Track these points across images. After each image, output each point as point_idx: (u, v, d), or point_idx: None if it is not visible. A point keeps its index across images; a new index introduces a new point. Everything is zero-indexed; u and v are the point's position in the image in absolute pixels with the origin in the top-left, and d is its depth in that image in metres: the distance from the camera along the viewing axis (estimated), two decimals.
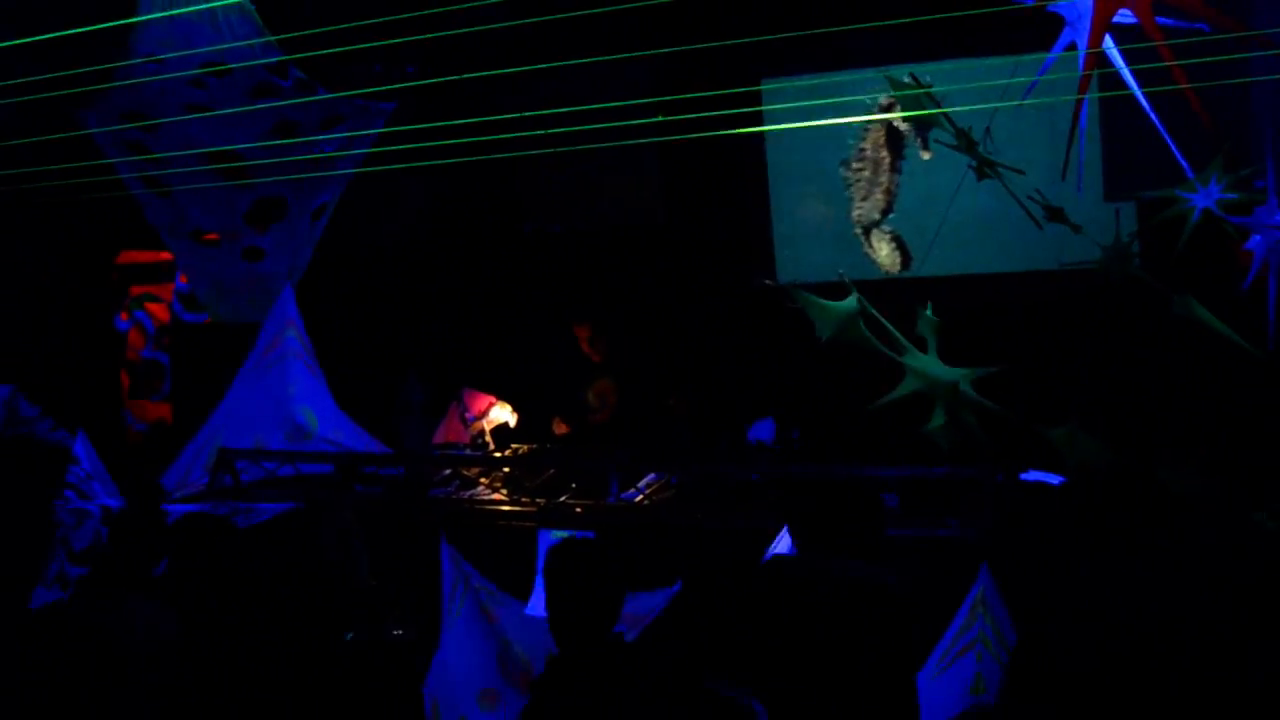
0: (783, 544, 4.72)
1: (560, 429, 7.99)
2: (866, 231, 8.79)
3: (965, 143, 6.51)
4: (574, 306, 8.36)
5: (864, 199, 8.75)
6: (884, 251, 8.73)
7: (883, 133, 8.62)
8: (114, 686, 4.09)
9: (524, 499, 6.32)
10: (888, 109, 7.90)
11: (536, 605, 5.05)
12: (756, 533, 5.05)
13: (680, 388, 8.04)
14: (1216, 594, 3.98)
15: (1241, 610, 3.89)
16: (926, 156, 7.94)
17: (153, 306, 10.41)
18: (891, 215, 8.76)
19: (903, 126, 8.30)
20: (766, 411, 7.54)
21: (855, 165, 8.77)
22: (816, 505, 4.33)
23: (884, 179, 8.70)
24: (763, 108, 8.13)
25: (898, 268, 8.70)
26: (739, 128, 7.16)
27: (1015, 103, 7.31)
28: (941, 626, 4.93)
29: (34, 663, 4.23)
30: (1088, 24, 5.28)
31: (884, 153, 8.67)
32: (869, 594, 3.85)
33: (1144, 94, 5.40)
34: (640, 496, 6.22)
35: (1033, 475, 5.60)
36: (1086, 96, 5.63)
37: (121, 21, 5.79)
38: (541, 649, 5.10)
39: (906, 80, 6.26)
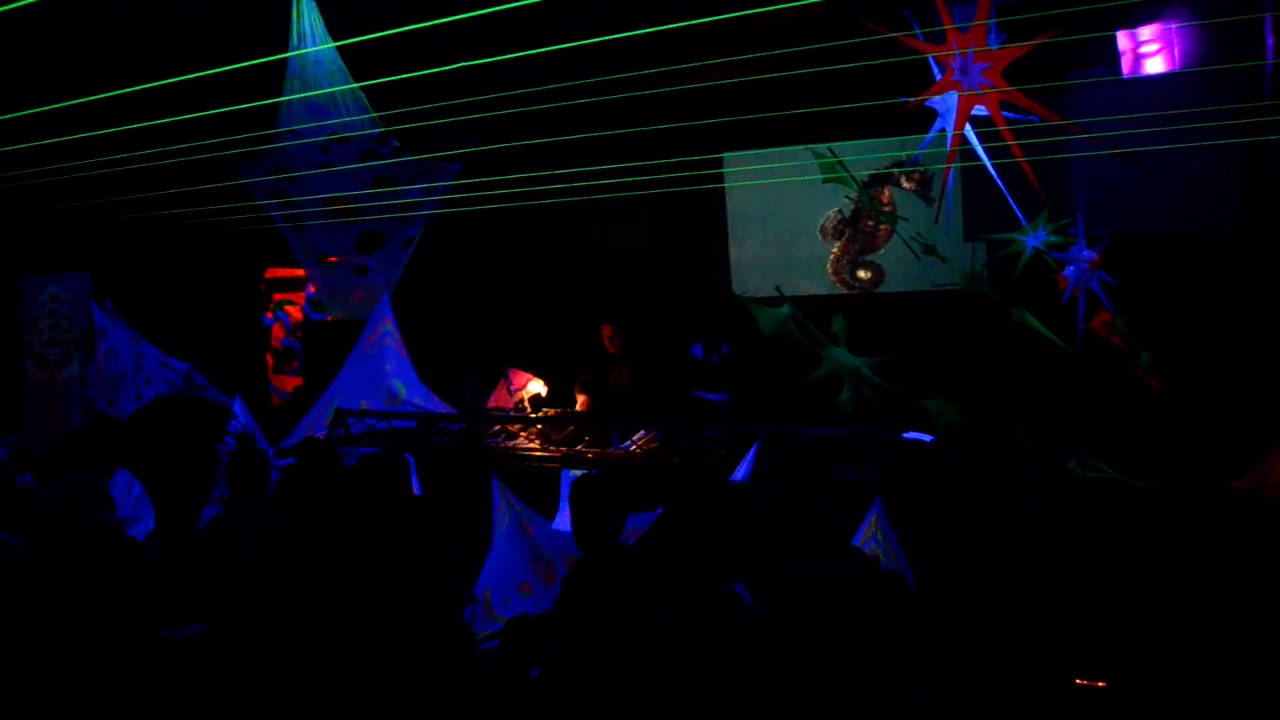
0: (747, 462, 4.64)
1: (580, 401, 7.91)
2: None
3: (866, 197, 6.48)
4: (601, 312, 8.12)
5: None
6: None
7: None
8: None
9: (551, 447, 6.28)
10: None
11: (561, 522, 5.01)
12: (713, 470, 4.99)
13: (665, 374, 7.90)
14: (1044, 515, 3.98)
15: (1061, 525, 3.90)
16: None
17: (290, 309, 10.39)
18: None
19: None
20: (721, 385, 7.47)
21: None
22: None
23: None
24: (724, 170, 8.12)
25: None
26: (707, 185, 7.14)
27: (903, 169, 7.29)
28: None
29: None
30: (954, 116, 5.29)
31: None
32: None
33: (992, 165, 5.44)
34: (633, 446, 6.18)
35: (912, 435, 5.56)
36: (952, 166, 5.63)
37: (270, 101, 5.74)
38: (563, 553, 5.06)
39: (825, 152, 6.24)
